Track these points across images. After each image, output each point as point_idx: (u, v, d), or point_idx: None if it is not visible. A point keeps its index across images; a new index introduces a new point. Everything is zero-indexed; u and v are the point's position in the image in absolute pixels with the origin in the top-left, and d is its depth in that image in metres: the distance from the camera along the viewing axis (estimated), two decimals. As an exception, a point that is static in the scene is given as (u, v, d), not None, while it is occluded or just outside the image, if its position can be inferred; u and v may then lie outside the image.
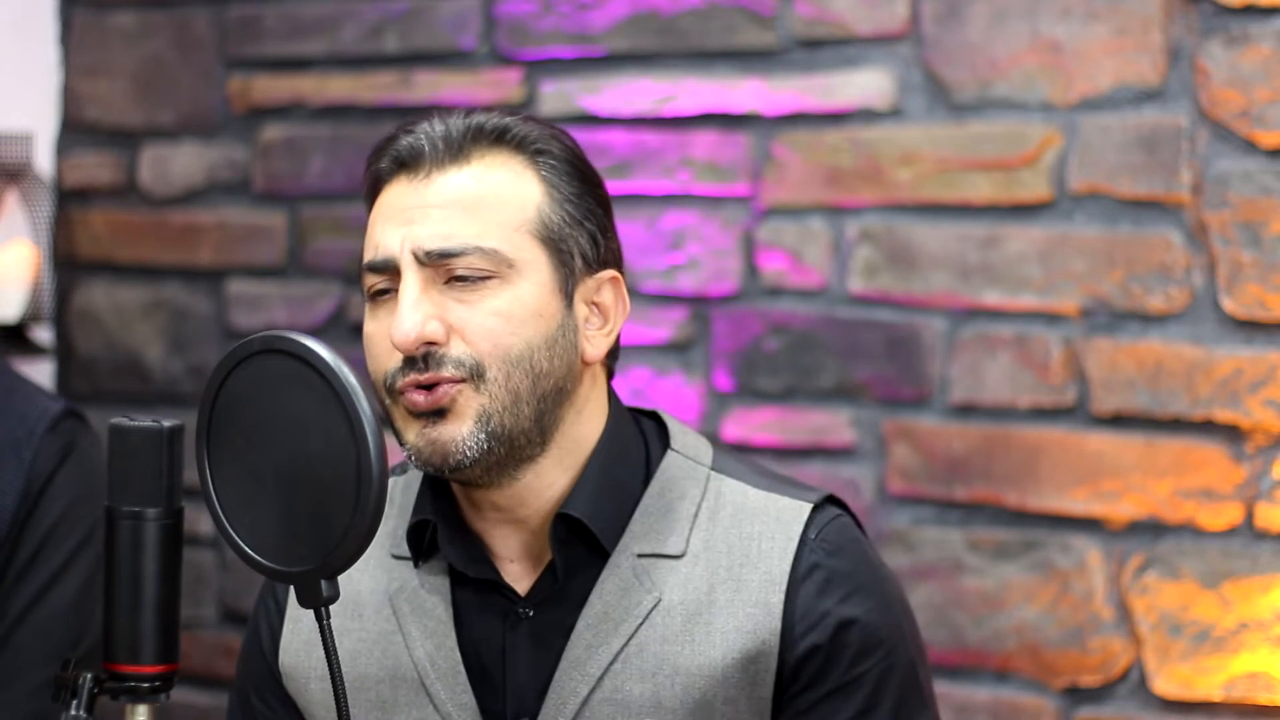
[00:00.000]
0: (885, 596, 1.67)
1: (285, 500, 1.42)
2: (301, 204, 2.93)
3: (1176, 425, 2.36)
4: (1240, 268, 2.32)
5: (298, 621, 1.73)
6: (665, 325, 2.66)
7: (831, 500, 1.70)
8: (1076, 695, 2.41)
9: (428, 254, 1.60)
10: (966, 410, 2.49)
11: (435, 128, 1.65)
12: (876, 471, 2.54)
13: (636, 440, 1.71)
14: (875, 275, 2.54)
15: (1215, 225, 2.34)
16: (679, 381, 2.64)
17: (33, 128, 3.04)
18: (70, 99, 3.12)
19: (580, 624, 1.64)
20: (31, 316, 2.99)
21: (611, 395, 1.71)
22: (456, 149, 1.63)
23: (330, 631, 1.44)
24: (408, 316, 1.59)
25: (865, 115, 2.55)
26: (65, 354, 3.11)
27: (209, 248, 3.00)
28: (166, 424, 1.43)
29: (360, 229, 1.69)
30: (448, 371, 1.59)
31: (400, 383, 1.60)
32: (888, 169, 2.53)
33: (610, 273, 1.67)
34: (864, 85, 2.54)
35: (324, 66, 2.92)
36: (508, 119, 1.66)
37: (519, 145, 1.65)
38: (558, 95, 2.73)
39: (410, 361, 1.60)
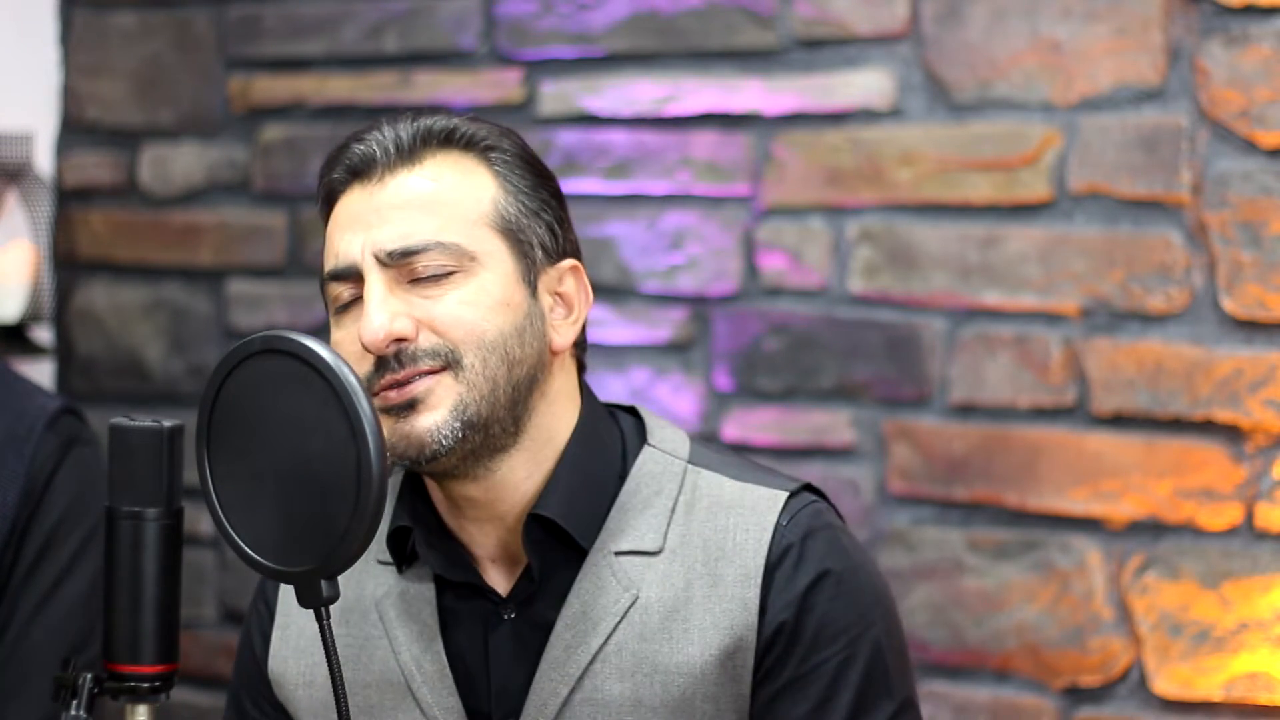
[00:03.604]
0: (854, 584, 1.65)
1: (285, 500, 1.43)
2: (301, 204, 2.93)
3: (1176, 425, 2.36)
4: (1240, 268, 2.32)
5: (286, 628, 1.73)
6: (665, 325, 2.66)
7: (809, 489, 1.69)
8: (1076, 695, 2.41)
9: (389, 254, 1.60)
10: (966, 410, 2.49)
11: (385, 133, 1.65)
12: (876, 471, 2.54)
13: (613, 436, 1.71)
14: (875, 275, 2.54)
15: (1215, 225, 2.34)
16: (679, 381, 2.64)
17: (33, 128, 3.04)
18: (70, 99, 3.11)
19: (559, 624, 1.64)
20: (31, 316, 2.99)
21: (584, 390, 1.71)
22: (408, 152, 1.63)
23: (330, 632, 1.45)
24: (375, 315, 1.59)
25: (865, 115, 2.55)
26: (65, 354, 3.11)
27: (209, 248, 3.00)
28: (166, 424, 1.44)
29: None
30: (424, 364, 1.59)
31: (376, 385, 1.59)
32: (888, 169, 2.53)
33: (570, 262, 1.68)
34: (864, 85, 2.54)
35: (324, 66, 2.92)
36: (455, 120, 1.67)
37: (468, 144, 1.65)
38: (558, 95, 2.73)
39: (382, 363, 1.59)
